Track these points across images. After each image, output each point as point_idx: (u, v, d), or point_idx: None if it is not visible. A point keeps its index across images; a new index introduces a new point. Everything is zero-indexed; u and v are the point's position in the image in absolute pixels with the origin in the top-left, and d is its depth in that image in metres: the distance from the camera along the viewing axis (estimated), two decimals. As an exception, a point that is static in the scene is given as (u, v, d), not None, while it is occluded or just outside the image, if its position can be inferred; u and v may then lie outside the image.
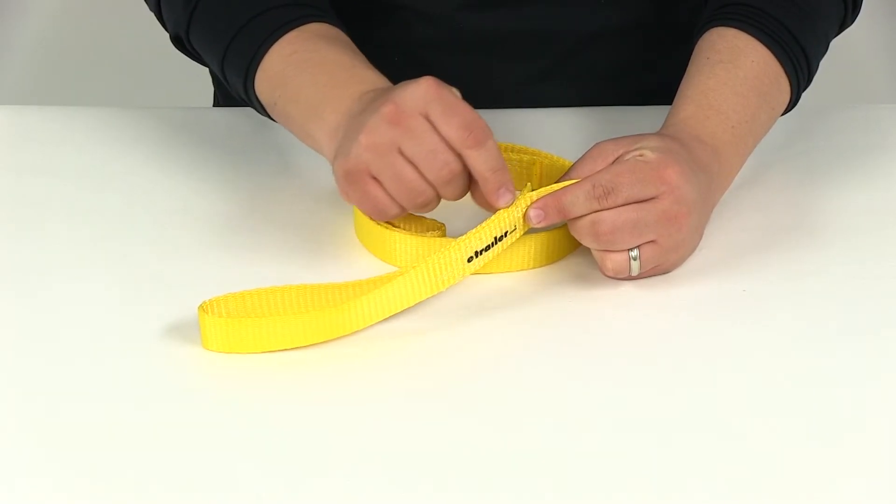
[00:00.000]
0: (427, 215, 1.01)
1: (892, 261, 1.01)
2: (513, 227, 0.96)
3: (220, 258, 1.00)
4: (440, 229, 1.00)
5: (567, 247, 1.00)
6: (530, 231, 0.98)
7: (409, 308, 0.94)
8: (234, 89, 1.06)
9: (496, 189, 0.94)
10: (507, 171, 0.94)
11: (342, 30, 1.05)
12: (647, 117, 1.17)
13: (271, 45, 1.02)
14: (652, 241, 0.95)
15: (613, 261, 0.95)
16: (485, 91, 1.22)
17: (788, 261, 1.00)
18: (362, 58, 1.03)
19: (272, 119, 1.05)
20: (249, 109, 1.16)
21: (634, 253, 0.95)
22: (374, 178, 0.94)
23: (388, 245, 0.99)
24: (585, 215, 0.94)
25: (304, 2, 1.05)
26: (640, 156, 0.95)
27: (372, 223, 1.00)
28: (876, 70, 2.05)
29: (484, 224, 0.95)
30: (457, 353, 0.92)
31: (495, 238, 0.95)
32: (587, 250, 0.99)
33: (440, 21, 1.19)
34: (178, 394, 0.88)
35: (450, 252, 0.94)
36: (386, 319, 0.94)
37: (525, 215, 0.95)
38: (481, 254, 0.95)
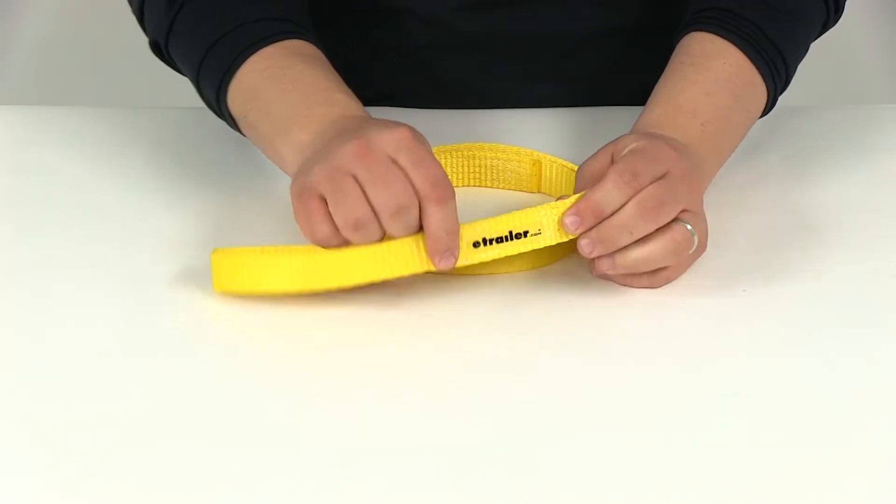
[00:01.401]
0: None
1: (892, 261, 1.01)
2: (537, 230, 0.94)
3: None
4: None
5: (566, 248, 1.00)
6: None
7: (406, 300, 0.94)
8: (208, 101, 1.05)
9: (443, 250, 0.92)
10: (458, 237, 0.92)
11: (320, 48, 1.05)
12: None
13: (246, 58, 1.02)
14: (686, 211, 0.95)
15: (676, 235, 0.94)
16: (482, 92, 1.22)
17: (788, 261, 1.00)
18: (338, 79, 1.02)
19: (242, 133, 1.04)
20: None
21: (689, 226, 0.94)
22: (322, 199, 0.92)
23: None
24: (627, 206, 0.93)
25: (285, 17, 1.04)
26: (631, 146, 0.95)
27: None
28: (876, 70, 2.05)
29: (503, 215, 0.94)
30: (456, 353, 0.92)
31: (511, 233, 0.94)
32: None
33: (437, 22, 1.19)
34: (180, 393, 0.88)
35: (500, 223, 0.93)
36: (385, 319, 0.94)
37: (560, 224, 0.93)
38: (491, 243, 0.94)
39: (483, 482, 0.81)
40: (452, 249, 0.92)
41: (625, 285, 0.96)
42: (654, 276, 0.96)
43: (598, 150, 0.98)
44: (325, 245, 0.92)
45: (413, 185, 0.90)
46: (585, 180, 0.97)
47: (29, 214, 1.06)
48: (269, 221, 1.04)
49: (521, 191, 1.09)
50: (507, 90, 1.22)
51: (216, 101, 1.04)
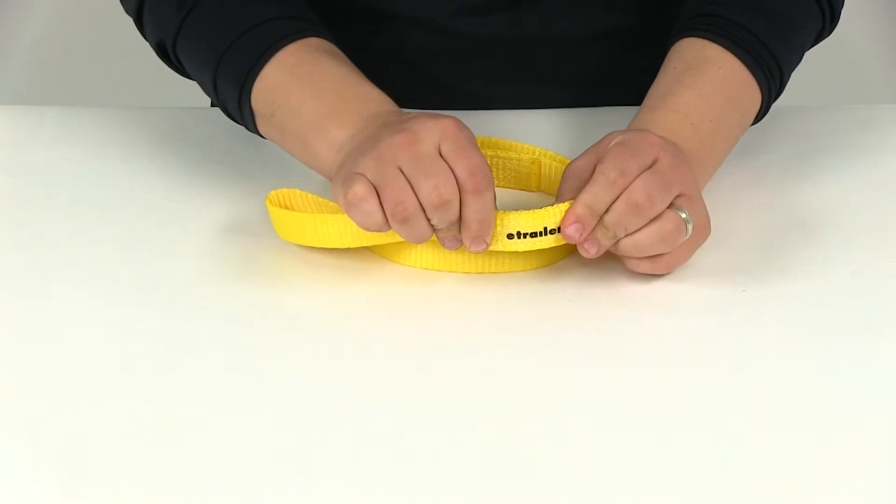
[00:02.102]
0: None
1: (892, 261, 1.01)
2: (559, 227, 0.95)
3: (220, 257, 1.00)
4: None
5: (567, 248, 1.00)
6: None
7: (406, 298, 0.96)
8: (223, 100, 1.04)
9: (475, 237, 0.94)
10: (491, 226, 0.94)
11: (337, 46, 1.05)
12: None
13: (273, 54, 1.01)
14: (681, 196, 0.95)
15: (666, 224, 0.94)
16: (481, 96, 1.22)
17: (788, 260, 1.00)
18: (363, 75, 1.02)
19: (259, 134, 1.04)
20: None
21: (684, 214, 0.94)
22: (372, 188, 0.93)
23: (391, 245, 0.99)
24: (616, 203, 0.93)
25: (301, 16, 1.04)
26: (615, 142, 0.95)
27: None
28: (876, 70, 2.05)
29: (539, 210, 0.95)
30: (455, 352, 0.92)
31: (545, 228, 0.95)
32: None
33: (434, 27, 1.19)
34: (179, 394, 0.88)
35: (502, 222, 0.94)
36: (385, 319, 0.94)
37: (564, 235, 0.94)
38: (525, 237, 0.95)
39: (483, 482, 0.81)
40: (484, 237, 0.94)
41: (629, 269, 0.97)
42: (654, 262, 0.96)
43: (584, 151, 0.98)
44: (377, 231, 0.94)
45: (454, 175, 0.92)
46: (570, 180, 0.97)
47: (29, 214, 1.06)
48: (269, 221, 1.04)
49: (520, 189, 1.09)
50: (506, 94, 1.22)
51: (238, 99, 1.02)
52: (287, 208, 1.00)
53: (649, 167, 0.94)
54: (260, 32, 1.02)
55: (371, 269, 0.99)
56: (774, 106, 1.09)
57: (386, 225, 0.94)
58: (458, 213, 0.93)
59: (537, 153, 1.09)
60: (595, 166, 0.95)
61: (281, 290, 0.97)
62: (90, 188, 1.08)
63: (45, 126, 1.17)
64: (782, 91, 1.08)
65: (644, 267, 0.96)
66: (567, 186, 0.97)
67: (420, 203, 0.92)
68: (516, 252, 0.98)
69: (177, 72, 1.10)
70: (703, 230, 0.96)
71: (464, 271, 0.99)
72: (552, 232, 0.95)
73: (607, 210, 0.94)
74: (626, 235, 0.94)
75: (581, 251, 0.95)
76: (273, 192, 1.00)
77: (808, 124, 1.17)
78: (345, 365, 0.90)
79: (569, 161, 1.07)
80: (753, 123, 1.07)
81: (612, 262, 0.98)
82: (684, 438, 0.84)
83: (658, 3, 1.21)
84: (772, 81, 1.06)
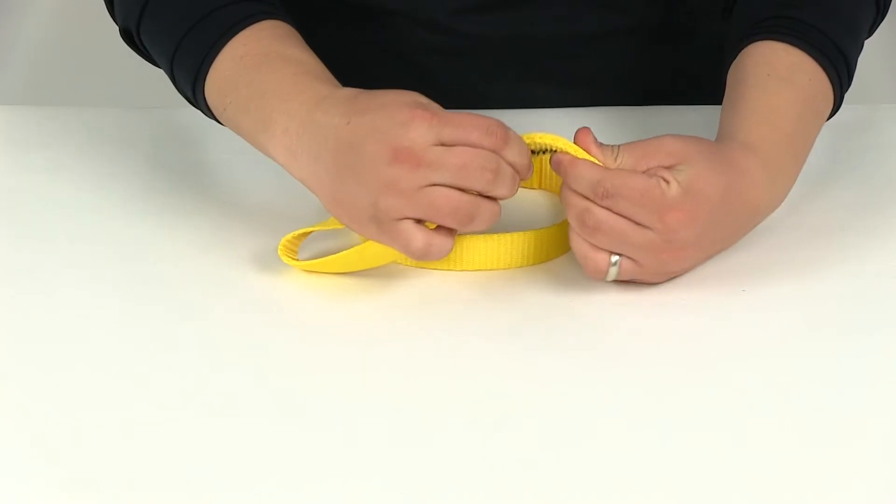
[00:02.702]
0: None
1: (892, 260, 1.01)
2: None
3: (220, 257, 1.00)
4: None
5: (564, 245, 1.00)
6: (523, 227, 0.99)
7: (403, 298, 0.96)
8: (182, 90, 1.03)
9: (527, 174, 0.93)
10: (530, 156, 0.93)
11: (293, 25, 1.02)
12: (651, 117, 1.17)
13: (222, 47, 0.99)
14: (633, 260, 0.94)
15: (593, 260, 0.93)
16: (480, 95, 1.22)
17: (788, 261, 1.00)
18: (311, 61, 0.98)
19: (220, 123, 1.02)
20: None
21: (615, 259, 0.93)
22: (414, 222, 0.90)
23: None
24: (582, 198, 0.92)
25: None
26: (665, 181, 0.92)
27: None
28: (876, 70, 2.05)
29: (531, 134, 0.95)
30: (454, 352, 0.92)
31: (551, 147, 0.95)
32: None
33: (435, 26, 1.19)
34: (180, 394, 0.88)
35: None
36: (382, 317, 0.94)
37: (550, 158, 0.94)
38: (537, 154, 0.96)
39: (482, 482, 0.81)
40: (530, 168, 0.93)
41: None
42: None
43: (690, 140, 0.94)
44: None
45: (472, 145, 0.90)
46: (644, 148, 0.93)
47: (29, 214, 1.06)
48: (271, 220, 1.04)
49: (521, 187, 1.09)
50: (506, 93, 1.22)
51: (193, 94, 1.01)
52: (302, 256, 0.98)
53: (635, 222, 0.92)
54: (211, 21, 1.00)
55: (368, 270, 0.99)
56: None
57: (449, 240, 0.92)
58: (512, 172, 0.92)
59: (552, 140, 1.09)
60: (656, 161, 0.93)
61: (281, 290, 0.97)
62: (90, 188, 1.08)
63: (45, 126, 1.17)
64: (849, 88, 1.07)
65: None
66: (628, 150, 0.94)
67: (478, 193, 0.90)
68: (515, 251, 0.98)
69: (144, 58, 1.09)
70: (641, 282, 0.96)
71: (461, 269, 0.99)
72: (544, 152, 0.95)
73: (573, 196, 0.92)
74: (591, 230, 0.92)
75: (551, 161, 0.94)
76: (282, 247, 0.97)
77: (807, 124, 1.17)
78: (345, 365, 0.90)
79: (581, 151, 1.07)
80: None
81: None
82: (684, 438, 0.84)
83: (659, 4, 1.21)
84: (844, 83, 1.05)
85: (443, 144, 0.90)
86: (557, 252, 1.00)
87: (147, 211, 1.06)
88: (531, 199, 1.08)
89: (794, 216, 1.05)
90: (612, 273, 0.94)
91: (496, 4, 1.18)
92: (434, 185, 0.89)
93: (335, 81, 0.97)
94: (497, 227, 1.01)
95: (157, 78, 1.10)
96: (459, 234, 0.96)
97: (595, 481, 0.81)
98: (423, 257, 0.91)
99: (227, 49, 0.99)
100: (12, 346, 0.92)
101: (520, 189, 1.09)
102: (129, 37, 1.08)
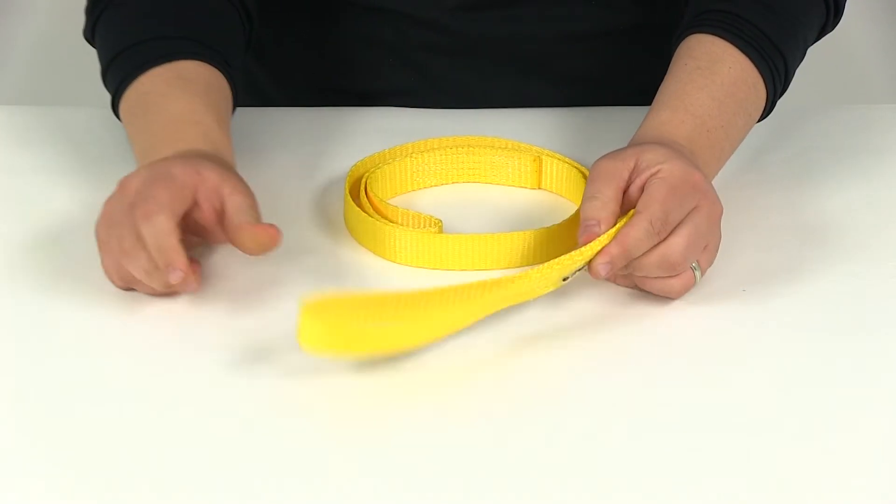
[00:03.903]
0: (423, 211, 1.01)
1: (892, 260, 1.01)
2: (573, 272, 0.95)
3: (218, 256, 1.00)
4: (437, 225, 1.00)
5: (563, 245, 1.00)
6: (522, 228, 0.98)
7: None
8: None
9: (165, 266, 0.92)
10: (174, 248, 0.92)
11: (216, 65, 1.05)
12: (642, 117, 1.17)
13: (134, 78, 1.04)
14: (706, 247, 0.95)
15: (682, 281, 0.95)
16: (478, 92, 1.22)
17: (788, 261, 1.00)
18: (202, 108, 1.02)
19: None
20: (247, 109, 1.16)
21: (694, 264, 0.95)
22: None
23: (386, 241, 0.99)
24: (651, 255, 0.93)
25: (184, 35, 1.06)
26: (659, 173, 0.94)
27: (368, 219, 1.00)
28: (876, 70, 2.05)
29: (582, 249, 0.93)
30: (453, 352, 0.92)
31: (587, 263, 0.94)
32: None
33: (432, 24, 1.19)
34: (180, 394, 0.88)
35: (552, 271, 0.92)
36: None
37: (592, 269, 0.93)
38: (574, 274, 0.94)
39: (482, 482, 0.81)
40: (171, 264, 0.92)
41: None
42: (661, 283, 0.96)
43: (620, 151, 0.97)
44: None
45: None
46: (599, 180, 0.95)
47: (29, 214, 1.06)
48: (272, 216, 1.03)
49: (521, 187, 1.09)
50: (504, 92, 1.22)
51: (112, 108, 1.07)
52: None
53: (689, 213, 0.94)
54: (133, 53, 1.05)
55: (368, 269, 0.99)
56: (773, 110, 1.09)
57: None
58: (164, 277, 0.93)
59: (536, 151, 1.09)
60: (630, 174, 0.95)
61: (282, 289, 0.97)
62: (90, 188, 1.08)
63: (45, 126, 1.17)
64: (787, 88, 1.08)
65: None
66: (596, 187, 0.95)
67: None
68: (515, 251, 0.98)
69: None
70: (710, 261, 0.97)
71: (460, 269, 0.99)
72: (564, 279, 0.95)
73: (640, 257, 0.94)
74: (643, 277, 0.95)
75: (591, 271, 0.94)
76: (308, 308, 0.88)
77: (808, 124, 1.17)
78: (344, 365, 0.90)
79: (569, 160, 1.07)
80: (759, 120, 1.08)
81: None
82: (683, 438, 0.84)
83: (655, 2, 1.21)
84: (777, 79, 1.06)
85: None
86: (557, 252, 1.00)
87: (147, 211, 1.06)
88: (531, 199, 1.08)
89: (793, 216, 1.05)
90: (698, 277, 0.95)
91: (494, 3, 1.18)
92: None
93: (202, 135, 1.01)
94: (497, 227, 1.01)
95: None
96: (456, 235, 0.96)
97: (595, 481, 0.81)
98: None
99: (137, 82, 1.04)
100: (11, 346, 0.92)
101: (520, 189, 1.10)
102: (91, 41, 1.12)
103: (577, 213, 1.01)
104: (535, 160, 1.08)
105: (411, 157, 1.08)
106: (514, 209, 1.07)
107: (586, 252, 0.93)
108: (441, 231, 1.00)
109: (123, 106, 1.05)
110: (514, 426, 0.85)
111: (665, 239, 0.93)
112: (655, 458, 0.83)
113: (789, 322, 0.95)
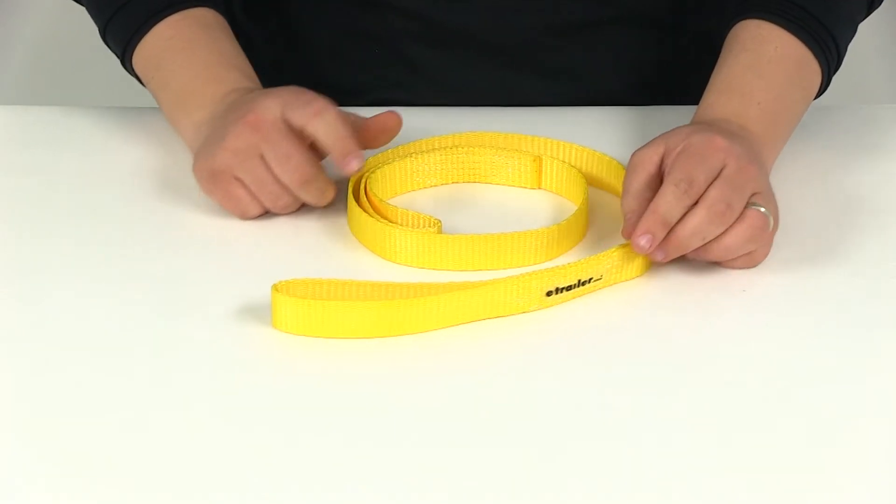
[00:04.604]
0: (423, 211, 1.01)
1: (892, 260, 1.01)
2: (599, 276, 0.96)
3: (219, 256, 1.00)
4: (436, 226, 1.00)
5: (565, 243, 1.00)
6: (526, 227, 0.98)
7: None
8: (115, 54, 1.11)
9: (343, 156, 0.99)
10: (352, 140, 0.99)
11: (224, 16, 1.09)
12: (642, 117, 1.17)
13: (152, 26, 1.06)
14: (755, 194, 0.96)
15: (754, 221, 0.95)
16: (464, 83, 1.21)
17: (787, 260, 1.00)
18: (234, 52, 1.07)
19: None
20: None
21: (757, 207, 0.95)
22: (238, 180, 1.00)
23: (385, 241, 0.99)
24: (695, 212, 0.94)
25: None
26: (683, 147, 0.96)
27: (368, 219, 1.00)
28: (876, 70, 2.05)
29: (570, 264, 0.95)
30: (452, 352, 0.92)
31: (579, 280, 0.95)
32: (587, 247, 0.99)
33: (417, 15, 1.19)
34: (180, 394, 0.88)
35: (530, 281, 0.93)
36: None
37: (634, 245, 0.94)
38: (561, 292, 0.95)
39: (482, 482, 0.81)
40: (353, 152, 0.99)
41: (726, 268, 0.98)
42: (748, 259, 0.97)
43: (652, 141, 0.99)
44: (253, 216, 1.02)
45: (293, 121, 0.98)
46: (636, 171, 0.98)
47: (29, 214, 1.06)
48: (269, 220, 1.04)
49: (521, 187, 1.09)
50: (491, 83, 1.21)
51: (122, 61, 1.09)
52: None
53: (719, 173, 0.95)
54: (144, 1, 1.07)
55: (368, 269, 0.99)
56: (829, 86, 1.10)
57: (263, 210, 1.01)
58: (325, 185, 1.01)
59: (538, 145, 1.09)
60: (661, 159, 0.97)
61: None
62: (90, 188, 1.08)
63: (45, 126, 1.17)
64: (840, 65, 1.10)
65: (740, 264, 0.98)
66: (627, 180, 0.98)
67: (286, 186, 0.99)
68: (517, 251, 0.98)
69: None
70: (776, 222, 0.98)
71: (460, 269, 0.99)
72: (583, 283, 0.95)
73: (682, 220, 0.94)
74: (714, 240, 0.95)
75: (634, 246, 0.95)
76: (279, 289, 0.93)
77: (808, 124, 1.17)
78: (345, 365, 0.90)
79: (571, 164, 1.07)
80: (816, 98, 1.09)
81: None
82: (683, 438, 0.84)
83: None
84: (829, 55, 1.08)
85: (288, 123, 0.99)
86: (559, 251, 1.00)
87: (147, 211, 1.06)
88: (531, 199, 1.08)
89: (793, 216, 1.05)
90: (770, 221, 0.96)
91: None
92: (264, 160, 0.99)
93: (249, 73, 1.06)
94: (497, 227, 1.01)
95: (157, 78, 1.10)
96: (455, 235, 0.96)
97: (595, 481, 0.81)
98: (225, 204, 1.01)
99: (155, 30, 1.07)
100: (11, 347, 0.92)
101: (520, 189, 1.10)
102: None
103: (577, 213, 1.01)
104: (534, 160, 1.08)
105: (411, 157, 1.08)
106: (514, 209, 1.07)
107: (569, 270, 0.94)
108: (440, 231, 1.00)
109: (143, 53, 1.07)
110: (514, 426, 0.85)
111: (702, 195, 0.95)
112: (655, 458, 0.83)
113: (789, 322, 0.95)
